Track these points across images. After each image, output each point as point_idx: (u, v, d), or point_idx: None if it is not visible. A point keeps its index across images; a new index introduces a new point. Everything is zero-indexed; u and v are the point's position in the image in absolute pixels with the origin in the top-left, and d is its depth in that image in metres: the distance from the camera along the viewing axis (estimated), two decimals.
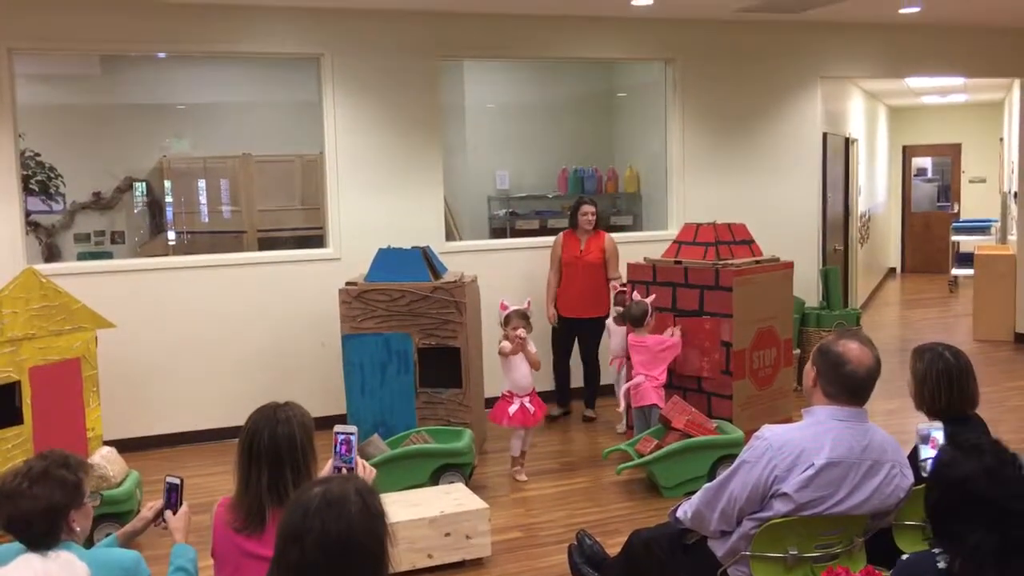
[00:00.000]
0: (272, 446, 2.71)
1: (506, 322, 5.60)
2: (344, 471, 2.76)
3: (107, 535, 4.57)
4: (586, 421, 6.91)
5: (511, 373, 5.59)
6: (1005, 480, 2.24)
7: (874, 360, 2.97)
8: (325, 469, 2.79)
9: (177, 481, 2.98)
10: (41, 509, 2.56)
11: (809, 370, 3.05)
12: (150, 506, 3.02)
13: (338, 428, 2.82)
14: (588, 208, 6.82)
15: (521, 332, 5.52)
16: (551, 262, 6.93)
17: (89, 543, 2.97)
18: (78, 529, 2.66)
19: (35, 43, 6.30)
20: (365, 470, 2.83)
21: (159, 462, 6.19)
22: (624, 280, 6.61)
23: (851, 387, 2.95)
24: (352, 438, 2.80)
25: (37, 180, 8.54)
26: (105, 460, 4.72)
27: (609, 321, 6.61)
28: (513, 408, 5.56)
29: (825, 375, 2.98)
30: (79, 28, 6.28)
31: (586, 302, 6.78)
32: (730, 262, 6.01)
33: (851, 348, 2.96)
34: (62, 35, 6.27)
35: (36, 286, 5.08)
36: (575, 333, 6.89)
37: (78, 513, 2.66)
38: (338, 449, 2.79)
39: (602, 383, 7.00)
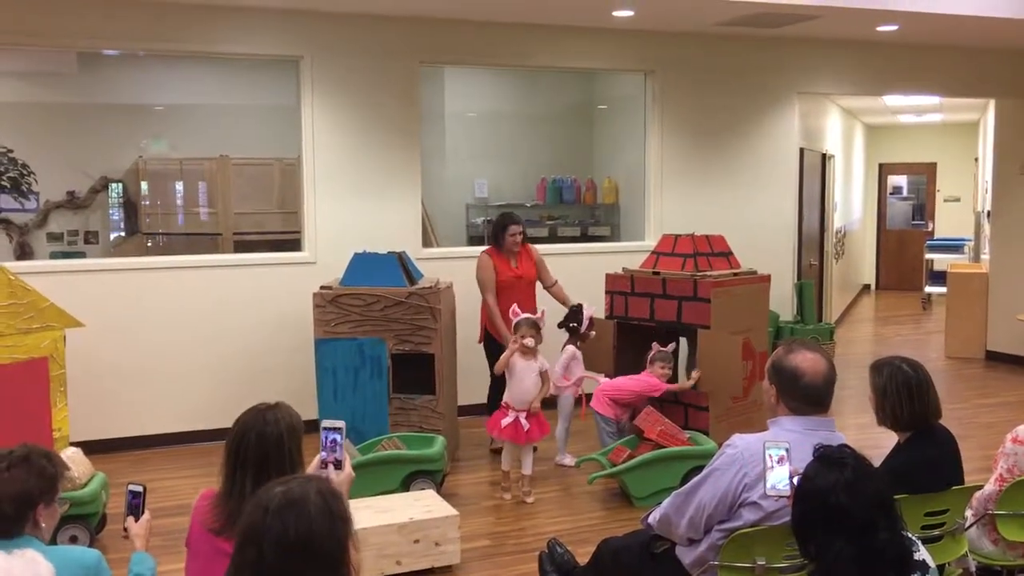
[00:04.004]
0: (259, 450, 2.70)
1: (515, 330, 5.47)
2: (331, 466, 2.75)
3: (71, 537, 4.55)
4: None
5: (513, 384, 5.44)
6: (863, 492, 2.28)
7: (828, 365, 2.98)
8: (312, 464, 2.78)
9: (140, 488, 2.96)
10: (13, 492, 2.56)
11: (768, 388, 3.04)
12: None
13: (325, 423, 2.81)
14: (516, 228, 6.33)
15: (528, 341, 5.37)
16: (485, 285, 6.29)
17: (51, 543, 2.93)
18: (44, 526, 2.64)
19: (10, 38, 6.24)
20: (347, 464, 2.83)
21: (128, 465, 6.12)
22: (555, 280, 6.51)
23: (812, 398, 2.95)
24: (338, 436, 2.79)
25: (9, 177, 8.45)
26: (70, 461, 4.63)
27: (574, 348, 6.10)
28: (506, 421, 5.40)
29: (786, 392, 2.98)
30: (55, 24, 6.21)
31: None
32: (708, 273, 6.02)
33: (804, 359, 2.96)
34: (38, 30, 6.20)
35: (4, 283, 5.00)
36: None
37: (47, 510, 2.65)
38: (325, 444, 2.78)
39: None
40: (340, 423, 2.81)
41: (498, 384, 5.96)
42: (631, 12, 6.92)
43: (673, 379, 6.00)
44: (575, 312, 6.16)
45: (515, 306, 5.70)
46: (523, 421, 5.39)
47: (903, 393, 3.33)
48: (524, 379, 5.40)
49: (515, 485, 5.53)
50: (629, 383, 5.88)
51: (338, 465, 2.76)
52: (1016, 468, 3.59)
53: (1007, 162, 9.46)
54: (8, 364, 4.97)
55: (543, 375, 5.44)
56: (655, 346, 5.88)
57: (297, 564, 1.88)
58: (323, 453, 2.77)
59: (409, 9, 6.81)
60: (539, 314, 5.57)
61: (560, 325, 6.19)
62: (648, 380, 5.84)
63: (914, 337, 11.55)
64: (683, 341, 6.40)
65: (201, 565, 2.72)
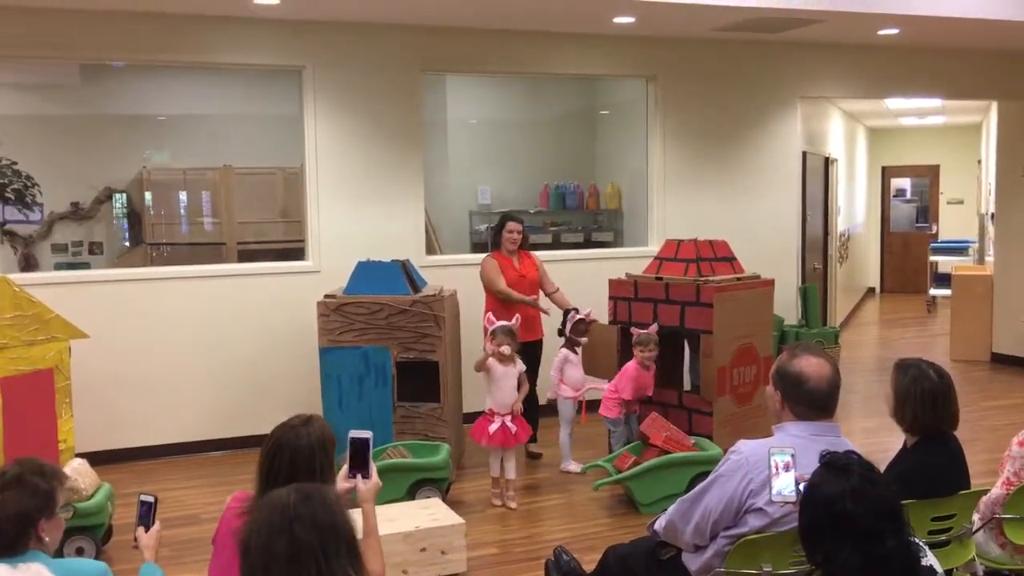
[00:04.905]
0: (291, 465, 2.74)
1: (492, 337, 5.53)
2: (359, 476, 2.82)
3: (77, 548, 4.55)
4: (532, 458, 6.37)
5: (495, 390, 5.49)
6: (869, 499, 2.28)
7: (832, 370, 2.97)
8: (340, 475, 2.84)
9: (151, 499, 2.96)
10: (10, 515, 2.54)
11: (773, 394, 3.04)
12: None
13: (353, 433, 2.85)
14: (514, 226, 6.35)
15: (505, 349, 5.44)
16: (493, 281, 6.23)
17: (56, 555, 2.93)
18: (47, 539, 2.64)
19: (13, 50, 6.26)
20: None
21: (133, 475, 6.12)
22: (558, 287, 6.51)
23: (817, 403, 2.95)
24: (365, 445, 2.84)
25: (13, 188, 8.47)
26: (76, 472, 4.65)
27: (567, 351, 6.10)
28: (494, 427, 5.44)
29: (790, 397, 2.97)
30: (58, 37, 6.24)
31: (529, 325, 6.16)
32: (711, 279, 6.02)
33: (809, 364, 2.95)
34: (41, 43, 6.23)
35: (9, 295, 5.01)
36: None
37: (48, 523, 2.64)
38: (352, 454, 2.84)
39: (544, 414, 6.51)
40: (367, 434, 2.86)
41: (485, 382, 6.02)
42: (632, 18, 6.93)
43: (677, 377, 6.00)
44: (565, 316, 6.22)
45: (490, 314, 5.77)
46: (509, 424, 5.45)
47: (927, 400, 3.30)
48: (505, 385, 5.47)
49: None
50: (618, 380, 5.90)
51: (365, 475, 2.82)
52: (1023, 471, 3.58)
53: (1010, 164, 9.45)
54: (14, 376, 4.98)
55: (520, 378, 5.53)
56: (635, 331, 5.89)
57: (331, 543, 1.97)
58: (350, 465, 2.83)
59: (411, 18, 6.82)
60: (514, 321, 5.62)
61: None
62: (623, 374, 5.86)
63: (919, 340, 11.53)
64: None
65: (224, 565, 2.75)
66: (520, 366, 5.56)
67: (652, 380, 5.92)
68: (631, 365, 5.85)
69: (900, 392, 3.36)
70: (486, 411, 5.54)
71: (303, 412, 2.96)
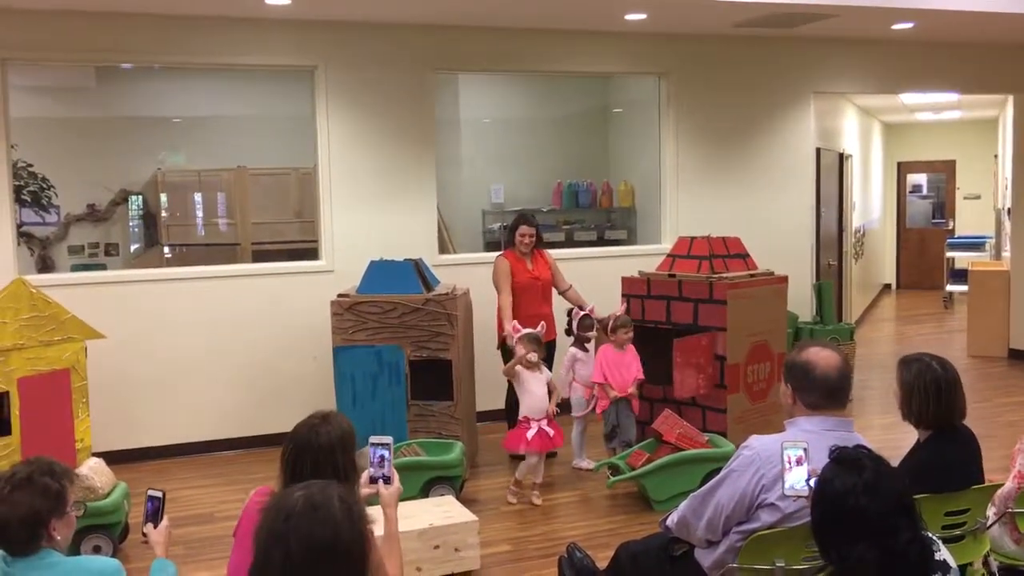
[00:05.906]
0: (312, 464, 2.75)
1: (519, 343, 5.56)
2: (380, 481, 2.83)
3: (94, 547, 4.59)
4: (548, 457, 6.31)
5: (526, 397, 5.52)
6: (881, 494, 2.27)
7: (841, 360, 2.99)
8: (361, 480, 2.85)
9: (159, 494, 2.97)
10: (20, 515, 2.56)
11: (784, 389, 3.06)
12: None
13: (373, 439, 2.87)
14: (525, 230, 6.33)
15: (531, 356, 5.48)
16: (499, 286, 6.28)
17: (73, 553, 2.96)
18: (59, 538, 2.65)
19: (28, 53, 6.31)
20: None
21: (149, 474, 6.16)
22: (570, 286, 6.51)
23: (827, 390, 2.95)
24: (385, 452, 2.87)
25: (29, 191, 8.54)
26: (93, 471, 4.70)
27: (575, 349, 6.13)
28: (531, 433, 5.45)
29: (800, 387, 2.99)
30: (73, 39, 6.28)
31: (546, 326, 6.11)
32: (724, 275, 6.01)
33: (816, 354, 2.99)
34: (56, 46, 6.28)
35: (25, 296, 5.05)
36: None
37: (59, 522, 2.65)
38: (373, 460, 2.85)
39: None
40: (388, 439, 2.88)
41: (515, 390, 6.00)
42: (644, 15, 6.92)
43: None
44: (569, 315, 6.25)
45: (515, 322, 5.78)
46: (546, 429, 5.48)
47: (931, 391, 3.29)
48: (535, 391, 5.50)
49: (526, 491, 5.56)
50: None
51: (387, 480, 2.84)
52: None
53: None
54: (31, 376, 5.02)
55: (549, 384, 5.57)
56: (611, 315, 5.91)
57: (325, 565, 1.93)
58: (371, 469, 2.84)
59: (422, 17, 6.84)
60: (539, 329, 5.63)
61: None
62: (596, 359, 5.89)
63: (936, 336, 11.46)
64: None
65: (243, 559, 2.77)
66: (547, 374, 5.61)
67: (636, 362, 5.89)
68: (602, 348, 5.89)
69: (905, 386, 3.35)
70: (520, 419, 5.55)
71: (320, 410, 2.96)
